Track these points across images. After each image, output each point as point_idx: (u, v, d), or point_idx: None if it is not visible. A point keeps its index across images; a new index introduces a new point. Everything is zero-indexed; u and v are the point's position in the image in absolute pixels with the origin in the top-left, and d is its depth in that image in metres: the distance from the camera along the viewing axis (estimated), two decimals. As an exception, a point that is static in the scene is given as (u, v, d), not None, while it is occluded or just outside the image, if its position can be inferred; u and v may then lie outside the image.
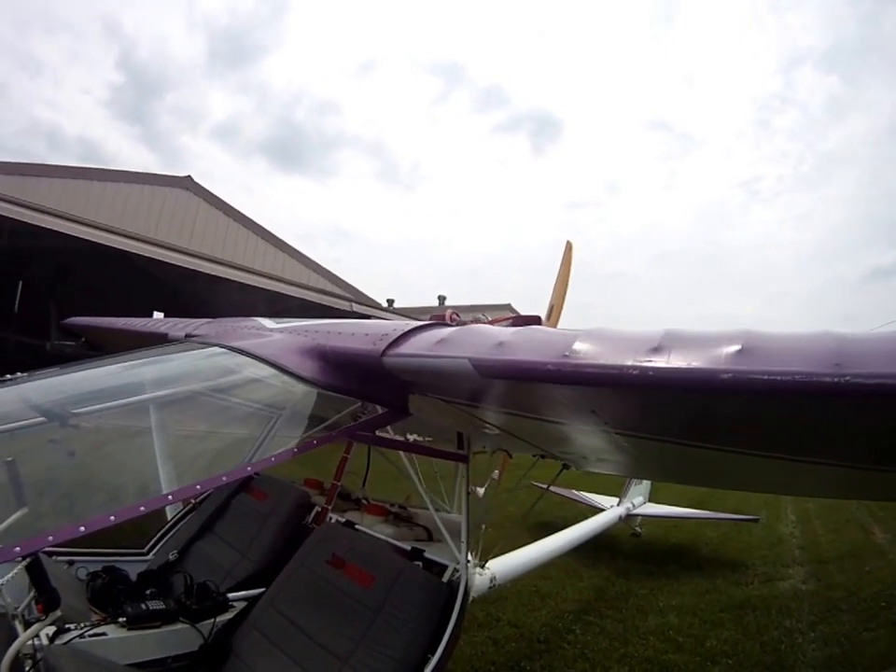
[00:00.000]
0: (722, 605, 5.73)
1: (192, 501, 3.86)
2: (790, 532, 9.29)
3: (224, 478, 1.88)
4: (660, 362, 1.12)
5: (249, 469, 2.06)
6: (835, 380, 0.96)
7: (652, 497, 8.18)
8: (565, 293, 5.53)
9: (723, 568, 7.01)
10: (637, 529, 8.11)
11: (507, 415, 2.28)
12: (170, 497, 1.76)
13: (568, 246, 5.80)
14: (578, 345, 1.27)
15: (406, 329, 1.98)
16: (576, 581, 6.28)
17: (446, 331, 1.82)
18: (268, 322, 2.83)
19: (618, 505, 7.41)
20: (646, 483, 7.84)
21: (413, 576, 2.71)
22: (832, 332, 1.09)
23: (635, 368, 1.13)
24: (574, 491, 8.11)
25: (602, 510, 7.18)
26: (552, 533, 4.96)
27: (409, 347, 1.85)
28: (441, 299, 31.30)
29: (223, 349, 2.44)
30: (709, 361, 1.08)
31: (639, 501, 7.80)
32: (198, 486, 1.83)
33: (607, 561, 7.03)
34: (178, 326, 3.91)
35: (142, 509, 1.58)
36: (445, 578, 2.79)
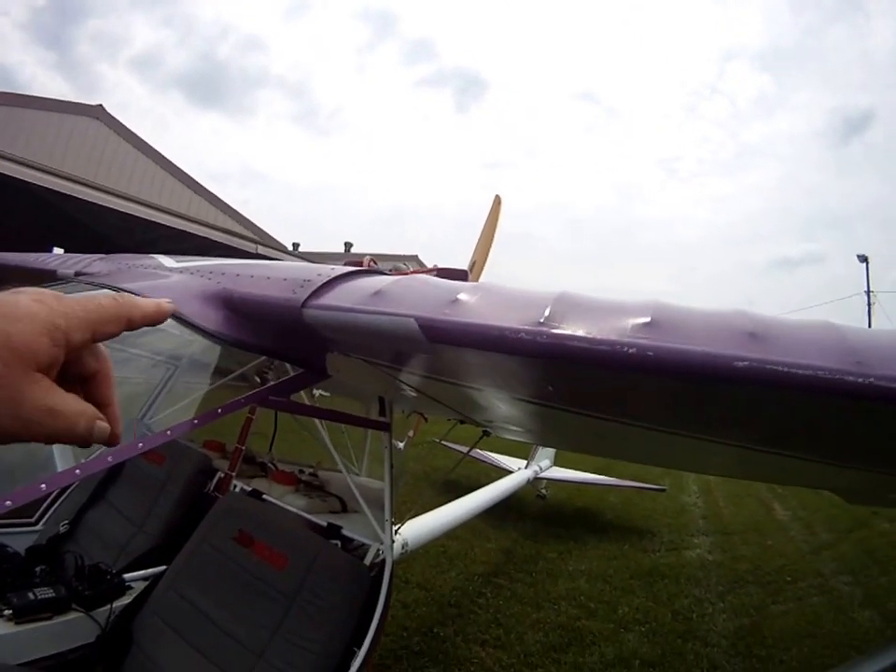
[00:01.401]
0: (631, 571, 5.90)
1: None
2: (692, 502, 9.79)
3: (110, 458, 1.53)
4: (660, 341, 0.90)
5: (141, 445, 1.67)
6: (859, 380, 0.80)
7: (556, 461, 8.38)
8: (489, 249, 5.28)
9: (629, 535, 7.25)
10: (543, 491, 8.31)
11: (441, 383, 2.00)
12: (43, 485, 1.44)
13: (497, 201, 5.55)
14: (553, 311, 1.01)
15: (332, 276, 1.58)
16: (484, 542, 6.32)
17: (383, 281, 1.45)
18: (167, 260, 2.38)
19: (526, 468, 7.51)
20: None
21: (333, 558, 2.43)
22: (835, 325, 0.93)
23: (631, 346, 0.89)
24: (479, 450, 8.14)
25: (510, 472, 7.23)
26: (456, 491, 4.91)
27: (336, 298, 1.46)
28: (348, 245, 31.16)
29: (113, 292, 2.04)
30: (719, 345, 0.87)
31: (546, 465, 8.01)
32: (77, 471, 1.48)
33: (514, 522, 7.14)
34: (69, 262, 3.40)
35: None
36: (367, 560, 2.54)
